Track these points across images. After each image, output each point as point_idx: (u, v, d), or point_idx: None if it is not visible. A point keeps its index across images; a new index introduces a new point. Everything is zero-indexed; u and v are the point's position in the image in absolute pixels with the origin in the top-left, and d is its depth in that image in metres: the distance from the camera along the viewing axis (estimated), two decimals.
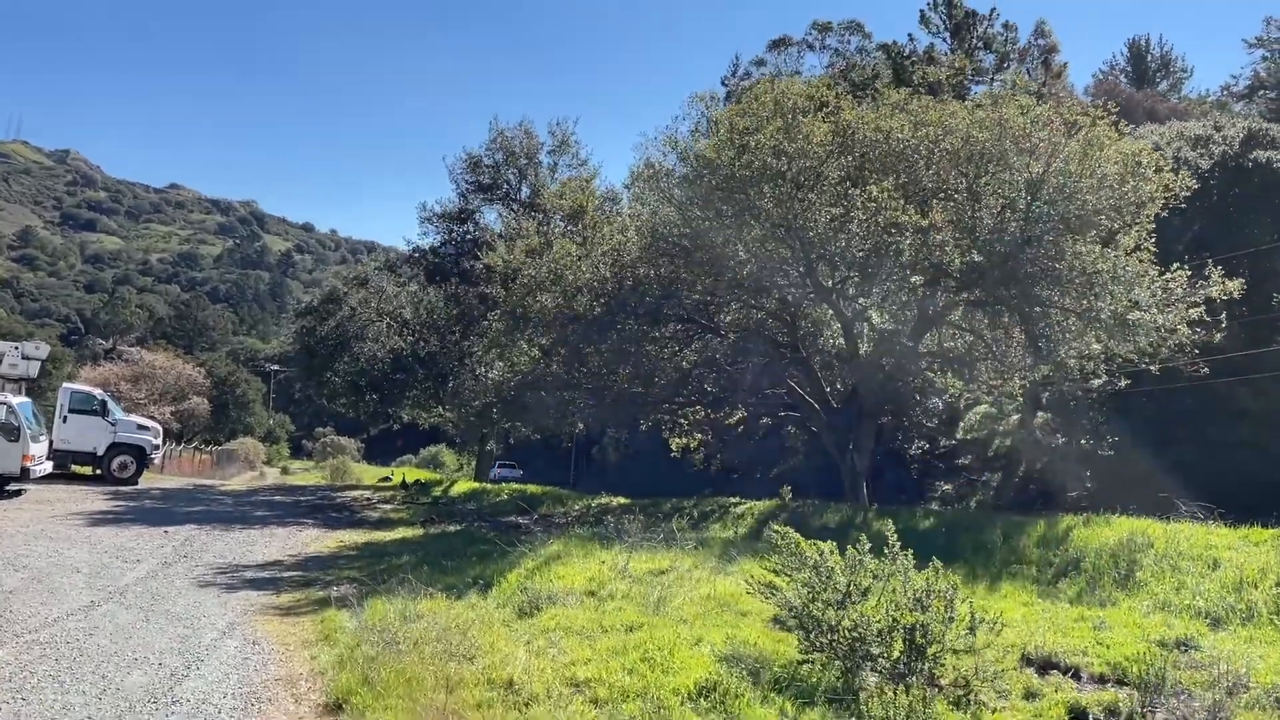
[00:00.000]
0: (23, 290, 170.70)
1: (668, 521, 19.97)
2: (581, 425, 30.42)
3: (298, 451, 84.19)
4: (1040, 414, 34.92)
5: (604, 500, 27.98)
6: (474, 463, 49.02)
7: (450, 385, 34.61)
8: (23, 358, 28.14)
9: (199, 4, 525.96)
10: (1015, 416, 37.98)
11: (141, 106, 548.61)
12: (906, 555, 7.33)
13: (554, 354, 26.30)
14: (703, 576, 11.49)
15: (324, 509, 28.38)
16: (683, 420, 28.40)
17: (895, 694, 6.32)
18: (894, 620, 6.85)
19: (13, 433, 23.64)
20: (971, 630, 7.11)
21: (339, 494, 34.97)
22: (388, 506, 29.51)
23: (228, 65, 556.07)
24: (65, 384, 35.60)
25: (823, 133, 20.22)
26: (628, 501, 27.16)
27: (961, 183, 19.84)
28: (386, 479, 42.19)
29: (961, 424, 39.94)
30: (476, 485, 37.24)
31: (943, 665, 6.91)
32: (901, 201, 18.88)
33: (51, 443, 27.77)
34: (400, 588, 12.14)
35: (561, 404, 26.11)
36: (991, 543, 15.12)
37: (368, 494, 34.87)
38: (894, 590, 7.28)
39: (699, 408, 27.32)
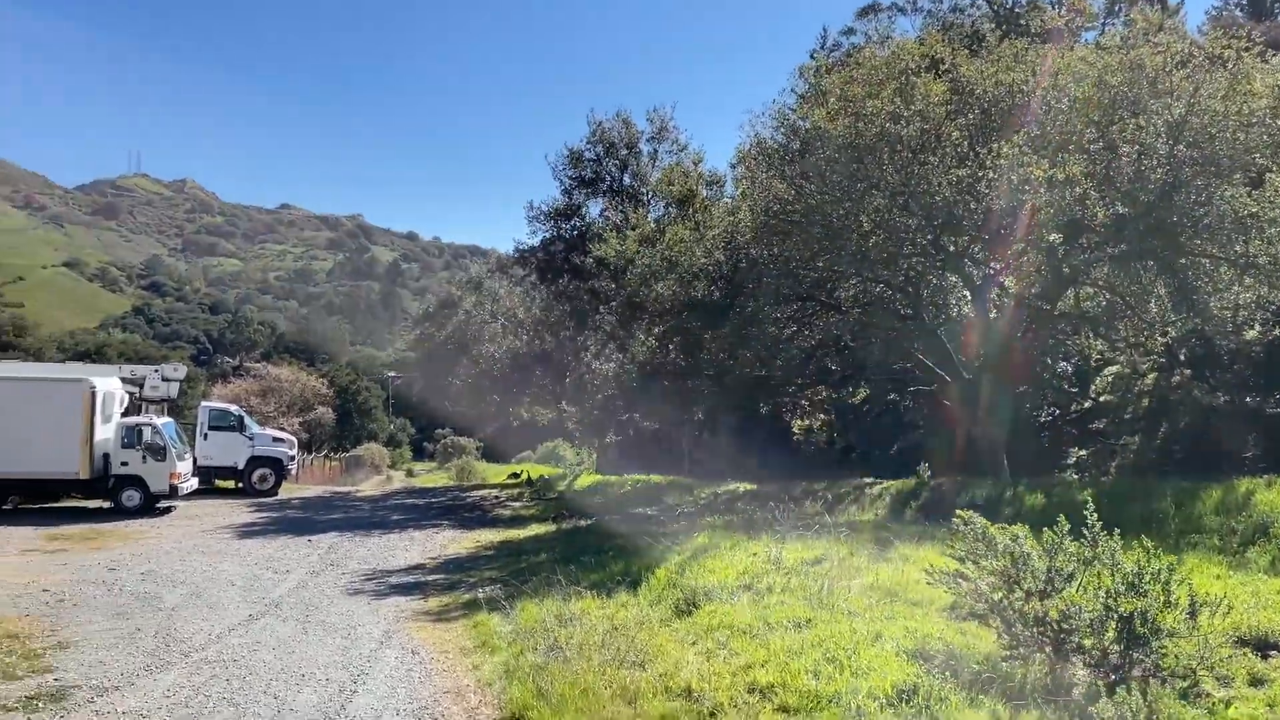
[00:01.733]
0: (154, 316, 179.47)
1: (800, 506, 19.48)
2: (700, 413, 29.94)
3: (419, 453, 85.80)
4: (1181, 371, 32.93)
5: (730, 487, 27.51)
6: (593, 455, 49.13)
7: (568, 380, 34.63)
8: (163, 380, 29.28)
9: (298, 34, 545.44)
10: (1152, 375, 35.96)
11: (249, 133, 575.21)
12: (1112, 536, 6.67)
13: (670, 341, 25.97)
14: (861, 564, 10.97)
15: (456, 510, 28.72)
16: (804, 401, 27.80)
17: (1128, 692, 5.69)
18: (1108, 608, 6.22)
19: (160, 452, 24.66)
20: (1191, 614, 6.42)
21: (467, 494, 35.41)
22: (517, 504, 29.69)
23: (326, 87, 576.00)
24: (203, 402, 36.97)
25: (940, 92, 19.29)
26: (753, 487, 26.65)
27: (1092, 131, 18.66)
28: (515, 475, 42.53)
29: (1093, 386, 38.04)
30: (599, 478, 37.22)
31: (1164, 654, 6.25)
32: (1033, 156, 17.83)
33: (195, 459, 28.84)
34: (547, 588, 12.01)
35: (683, 391, 25.76)
36: (1163, 512, 14.06)
37: (495, 492, 35.21)
38: (1098, 574, 6.65)
39: (821, 388, 26.64)
